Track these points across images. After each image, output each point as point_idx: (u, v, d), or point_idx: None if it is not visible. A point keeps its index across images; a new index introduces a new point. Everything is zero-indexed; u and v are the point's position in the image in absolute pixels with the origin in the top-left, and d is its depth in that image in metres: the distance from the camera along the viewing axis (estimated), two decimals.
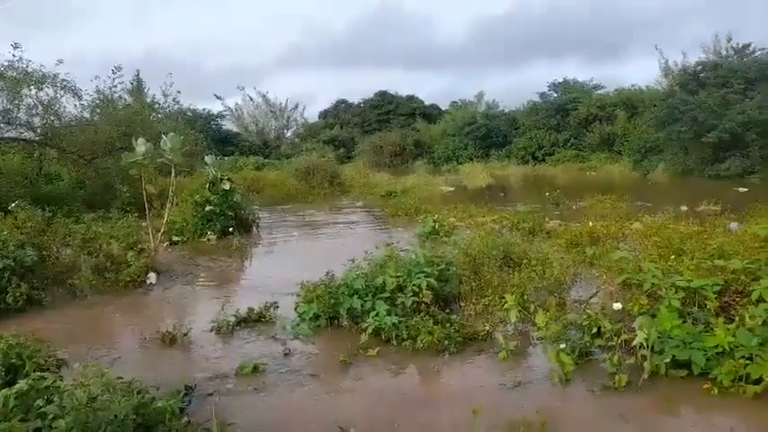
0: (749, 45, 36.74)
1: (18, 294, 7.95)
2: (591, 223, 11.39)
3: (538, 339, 5.38)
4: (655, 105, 40.30)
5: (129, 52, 68.13)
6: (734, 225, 12.45)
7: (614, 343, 5.26)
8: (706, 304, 5.70)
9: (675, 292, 5.67)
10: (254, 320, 7.30)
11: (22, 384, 3.69)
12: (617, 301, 5.98)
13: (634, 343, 4.95)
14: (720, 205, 16.78)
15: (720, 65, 36.28)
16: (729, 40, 38.06)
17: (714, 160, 34.07)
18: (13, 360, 4.50)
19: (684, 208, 16.35)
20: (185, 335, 6.69)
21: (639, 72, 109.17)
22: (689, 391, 4.92)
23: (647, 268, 6.06)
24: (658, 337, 5.12)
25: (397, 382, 5.42)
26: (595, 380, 5.15)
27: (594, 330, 5.80)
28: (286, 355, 6.16)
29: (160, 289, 9.39)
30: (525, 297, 6.64)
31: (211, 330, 6.98)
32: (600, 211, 16.27)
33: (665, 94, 39.56)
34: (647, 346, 4.94)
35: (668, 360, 5.11)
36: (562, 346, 5.31)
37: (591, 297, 6.83)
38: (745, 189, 25.55)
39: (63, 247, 10.04)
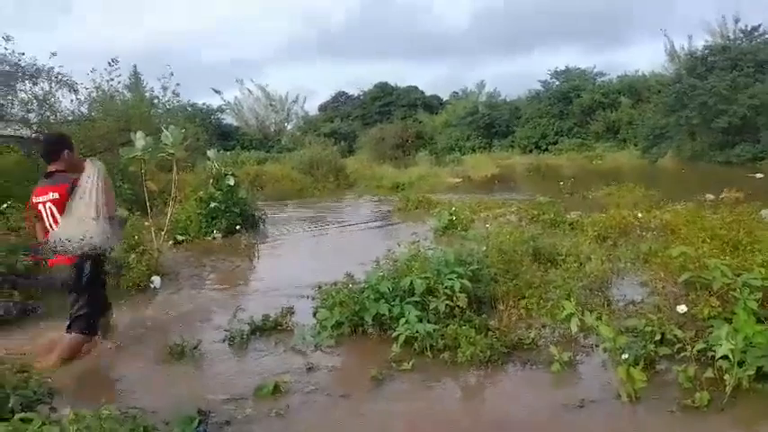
0: (758, 27, 35.99)
1: (10, 305, 7.30)
2: (640, 214, 10.68)
3: (604, 351, 4.72)
4: (659, 91, 39.65)
5: (126, 46, 67.34)
6: (766, 212, 11.80)
7: (687, 353, 4.59)
8: None
9: (750, 293, 5.00)
10: (270, 329, 6.63)
11: None
12: (679, 304, 5.32)
13: (719, 354, 4.27)
14: (743, 192, 16.18)
15: (729, 48, 35.56)
16: (737, 21, 37.25)
17: (724, 146, 33.47)
18: None
19: (711, 196, 15.68)
20: (195, 348, 6.02)
21: (642, 58, 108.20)
22: None
23: (713, 265, 5.37)
24: None
25: (442, 404, 4.73)
26: (668, 397, 4.49)
27: (658, 337, 5.15)
28: (309, 369, 5.50)
29: (165, 294, 8.72)
30: (572, 299, 5.96)
31: (224, 341, 6.30)
32: (619, 201, 15.61)
33: (672, 79, 38.84)
34: (733, 357, 4.27)
35: (752, 372, 4.44)
36: (624, 356, 4.63)
37: (646, 298, 6.15)
38: (762, 175, 24.89)
39: None
